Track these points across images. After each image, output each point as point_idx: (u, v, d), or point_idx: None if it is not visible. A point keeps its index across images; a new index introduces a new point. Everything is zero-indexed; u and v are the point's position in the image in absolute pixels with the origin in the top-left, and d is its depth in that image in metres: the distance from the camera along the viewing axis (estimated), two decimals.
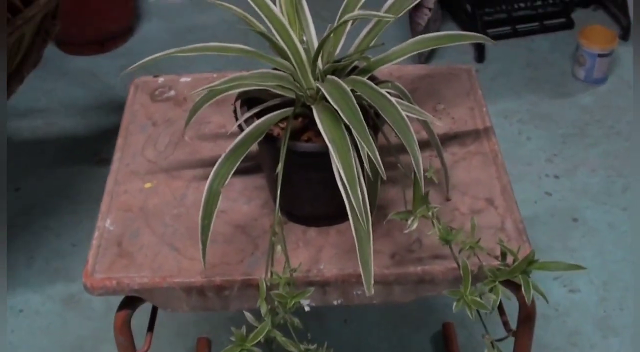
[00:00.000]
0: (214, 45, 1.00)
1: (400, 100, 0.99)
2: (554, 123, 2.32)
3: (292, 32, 1.01)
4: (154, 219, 1.11)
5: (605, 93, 2.43)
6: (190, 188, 1.14)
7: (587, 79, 2.46)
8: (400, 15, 1.04)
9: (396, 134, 0.88)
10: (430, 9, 2.42)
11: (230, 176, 0.94)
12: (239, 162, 0.95)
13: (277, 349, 0.90)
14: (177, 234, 1.08)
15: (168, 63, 1.36)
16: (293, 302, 0.89)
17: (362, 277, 0.90)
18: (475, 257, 0.96)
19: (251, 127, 0.97)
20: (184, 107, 1.29)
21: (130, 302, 1.06)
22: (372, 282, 0.90)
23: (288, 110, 0.99)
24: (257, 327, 0.88)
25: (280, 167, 0.94)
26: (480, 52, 2.56)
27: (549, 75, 2.51)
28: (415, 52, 1.03)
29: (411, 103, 1.01)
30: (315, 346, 0.91)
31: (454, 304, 0.91)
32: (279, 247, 0.93)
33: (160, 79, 1.35)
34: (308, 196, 1.06)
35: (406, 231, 0.94)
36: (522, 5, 2.70)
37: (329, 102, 0.91)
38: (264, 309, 0.88)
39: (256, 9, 1.02)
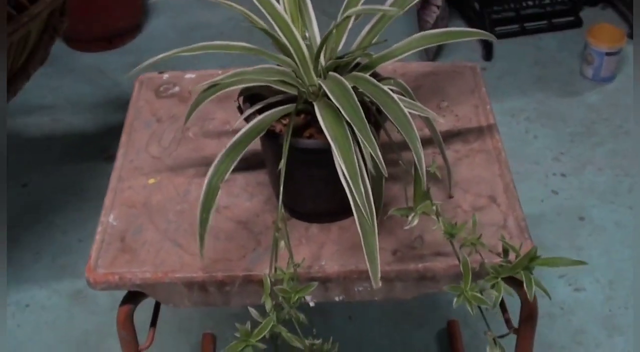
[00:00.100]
0: (218, 43, 1.01)
1: (402, 97, 0.99)
2: (562, 122, 2.31)
3: (294, 29, 1.01)
4: (157, 214, 1.11)
5: (613, 92, 2.42)
6: (193, 184, 1.15)
7: (595, 77, 2.45)
8: (404, 11, 1.04)
9: (398, 130, 0.88)
10: (438, 7, 2.41)
11: (229, 171, 0.94)
12: (238, 158, 0.95)
13: (282, 345, 0.90)
14: (180, 229, 1.09)
15: (174, 60, 1.37)
16: (297, 297, 0.89)
17: (369, 270, 0.90)
18: (477, 254, 0.96)
19: (252, 123, 0.97)
20: (188, 103, 1.29)
21: (133, 297, 1.07)
22: (379, 275, 0.90)
23: (290, 107, 1.00)
24: (261, 322, 0.88)
25: (282, 164, 0.94)
26: (488, 50, 2.56)
27: (557, 74, 2.51)
28: (417, 49, 1.03)
29: (413, 100, 1.01)
30: (320, 341, 0.91)
31: (454, 299, 0.91)
32: (282, 243, 0.93)
33: (165, 76, 1.35)
34: (310, 193, 1.06)
35: (406, 227, 0.94)
36: (530, 3, 2.70)
37: (331, 99, 0.92)
38: (268, 305, 0.88)
39: (259, 6, 1.02)
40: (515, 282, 0.97)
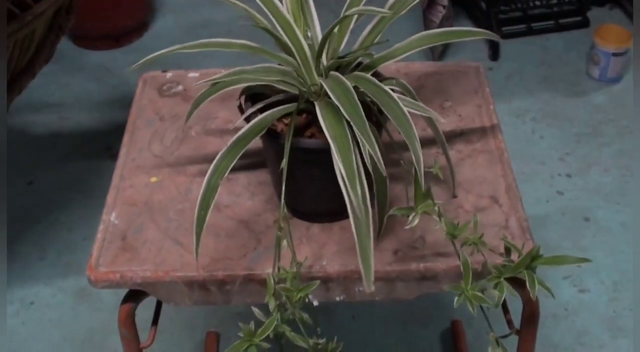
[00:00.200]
0: (219, 41, 1.01)
1: (404, 97, 0.99)
2: (568, 122, 2.31)
3: (296, 28, 1.01)
4: (159, 213, 1.11)
5: (619, 92, 2.42)
6: (195, 183, 1.15)
7: (602, 78, 2.44)
8: (404, 12, 1.04)
9: (398, 130, 0.88)
10: (444, 7, 2.41)
11: (229, 170, 0.94)
12: (238, 157, 0.95)
13: (286, 345, 0.90)
14: (181, 228, 1.09)
15: (180, 58, 1.37)
16: (299, 295, 0.89)
17: (362, 272, 0.90)
18: (479, 254, 0.95)
19: (253, 122, 0.97)
20: (191, 102, 1.28)
21: (134, 296, 1.07)
22: (372, 279, 0.90)
23: (291, 106, 1.00)
24: (265, 322, 0.88)
25: (284, 163, 0.94)
26: (494, 50, 2.56)
27: (564, 74, 2.50)
28: (418, 49, 1.03)
29: (415, 100, 1.01)
30: (324, 340, 0.91)
31: (455, 299, 0.91)
32: (284, 243, 0.93)
33: (169, 74, 1.35)
34: (311, 192, 1.06)
35: (407, 227, 0.94)
36: (537, 3, 2.69)
37: (332, 99, 0.91)
38: (272, 304, 0.88)
39: (261, 4, 1.02)
40: (517, 283, 0.96)
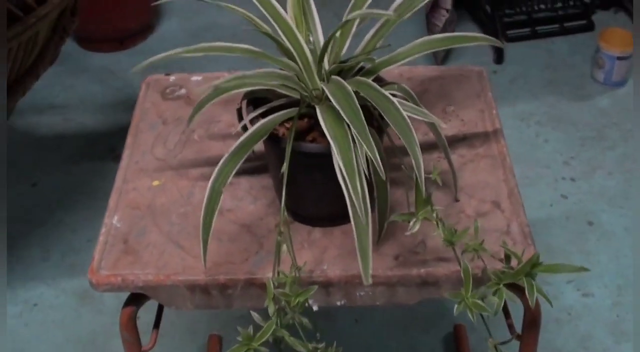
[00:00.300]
0: (220, 45, 1.01)
1: (405, 102, 0.99)
2: (572, 126, 2.30)
3: (297, 33, 1.02)
4: (161, 217, 1.11)
5: (624, 96, 2.41)
6: (197, 187, 1.15)
7: (606, 81, 2.44)
8: (407, 16, 1.04)
9: (398, 137, 0.88)
10: (447, 10, 2.41)
11: (232, 174, 0.95)
12: (241, 162, 0.95)
13: (285, 349, 0.90)
14: (184, 232, 1.09)
15: (184, 61, 1.37)
16: (297, 300, 0.89)
17: (360, 267, 0.90)
18: (480, 260, 0.95)
19: (255, 126, 0.97)
20: (194, 105, 1.29)
21: (136, 299, 1.07)
22: (371, 271, 0.90)
23: (293, 111, 1.00)
24: (263, 326, 0.88)
25: (285, 167, 0.94)
26: (499, 54, 2.55)
27: (568, 78, 2.50)
28: (421, 54, 1.03)
29: (417, 105, 1.01)
30: (323, 344, 0.91)
31: (455, 306, 0.91)
32: (284, 247, 0.93)
33: (172, 78, 1.35)
34: (313, 197, 1.06)
35: (407, 233, 0.94)
36: (542, 6, 2.69)
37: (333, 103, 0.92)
38: (271, 309, 0.88)
39: (262, 9, 1.03)
40: (518, 288, 0.96)
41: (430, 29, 2.49)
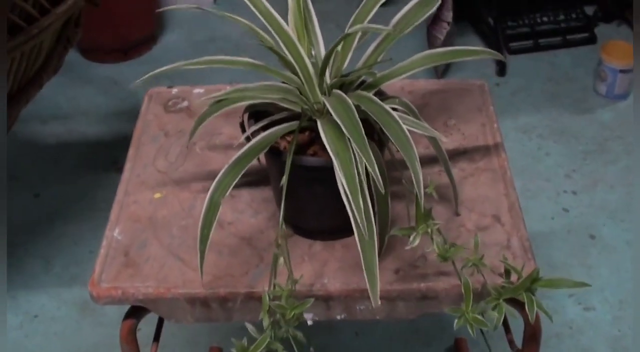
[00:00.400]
0: (222, 58, 1.01)
1: (406, 116, 0.99)
2: (574, 139, 2.30)
3: (299, 46, 1.02)
4: (162, 230, 1.12)
5: (626, 109, 2.41)
6: (199, 199, 1.15)
7: (609, 94, 2.44)
8: (409, 30, 1.05)
9: (397, 149, 0.89)
10: (449, 23, 2.41)
11: (232, 187, 0.95)
12: (241, 174, 0.95)
13: None
14: (184, 245, 1.09)
15: (187, 73, 1.37)
16: (293, 313, 0.89)
17: (368, 287, 0.90)
18: (480, 274, 0.95)
19: (256, 139, 0.98)
20: (196, 118, 1.29)
21: (136, 312, 1.07)
22: (379, 293, 0.90)
23: (294, 124, 1.00)
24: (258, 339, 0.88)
25: (284, 180, 0.94)
26: (501, 66, 2.56)
27: (570, 91, 2.50)
28: (422, 68, 1.03)
29: (418, 119, 1.01)
30: None
31: (455, 321, 0.91)
32: (281, 259, 0.93)
33: (174, 90, 1.36)
34: (314, 210, 1.06)
35: (407, 247, 0.94)
36: (545, 19, 2.69)
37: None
38: (266, 322, 0.88)
39: (265, 22, 1.03)
40: (518, 303, 0.96)
41: (431, 42, 2.49)
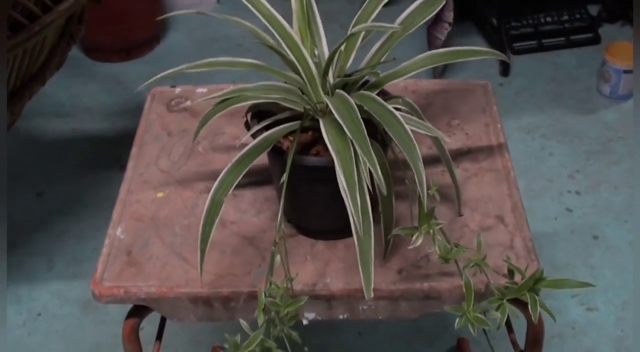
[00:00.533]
0: (225, 60, 1.01)
1: (409, 116, 0.99)
2: (578, 139, 2.30)
3: (302, 46, 1.02)
4: (164, 229, 1.12)
5: (630, 110, 2.41)
6: (201, 198, 1.15)
7: (612, 95, 2.44)
8: (414, 29, 1.04)
9: (400, 150, 0.88)
10: (450, 24, 2.41)
11: (233, 186, 0.95)
12: (243, 173, 0.95)
13: None
14: (186, 244, 1.09)
15: (192, 73, 1.37)
16: (286, 310, 0.89)
17: (362, 280, 0.90)
18: (483, 274, 0.95)
19: (258, 139, 0.98)
20: (199, 118, 1.29)
21: (139, 311, 1.07)
22: (372, 285, 0.90)
23: (297, 124, 1.00)
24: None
25: (284, 179, 0.94)
26: (505, 67, 2.55)
27: (574, 91, 2.49)
28: (425, 68, 1.03)
29: (422, 119, 1.01)
30: None
31: (457, 320, 0.91)
32: (278, 258, 0.93)
33: (177, 90, 1.36)
34: (316, 209, 1.06)
35: (410, 247, 0.94)
36: (548, 19, 2.69)
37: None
38: (261, 320, 0.88)
39: (266, 23, 1.03)
40: (521, 303, 0.96)
41: (432, 42, 2.49)
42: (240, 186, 0.96)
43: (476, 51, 1.06)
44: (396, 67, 1.04)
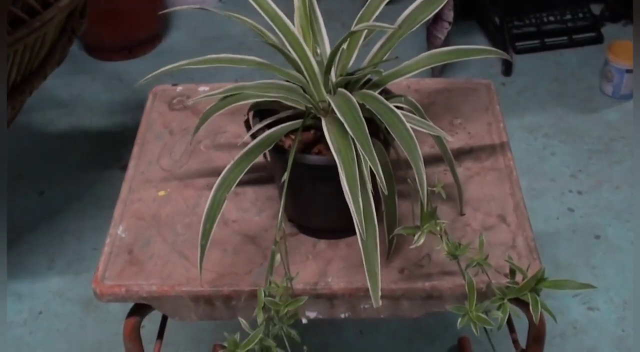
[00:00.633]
0: (227, 57, 1.01)
1: (411, 114, 0.99)
2: (580, 139, 2.30)
3: (304, 45, 1.02)
4: (166, 227, 1.11)
5: (632, 109, 2.40)
6: (203, 197, 1.15)
7: (615, 94, 2.43)
8: (415, 27, 1.04)
9: (402, 149, 0.88)
10: (450, 23, 2.40)
11: (236, 183, 0.95)
12: (245, 171, 0.95)
13: None
14: (188, 242, 1.09)
15: (194, 71, 1.37)
16: (286, 309, 0.88)
17: (369, 287, 0.90)
18: (484, 274, 0.95)
19: (260, 137, 0.97)
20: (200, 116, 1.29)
21: (140, 310, 1.07)
22: (380, 293, 0.90)
23: (298, 122, 1.00)
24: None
25: (285, 177, 0.94)
26: (507, 66, 2.55)
27: (576, 90, 2.49)
28: (427, 67, 1.03)
29: (424, 118, 1.01)
30: None
31: (459, 319, 0.90)
32: (278, 256, 0.93)
33: (179, 88, 1.36)
34: (318, 208, 1.06)
35: (412, 246, 0.93)
36: (551, 19, 2.69)
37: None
38: (260, 318, 0.88)
39: (269, 21, 1.03)
40: (522, 303, 0.96)
41: (431, 41, 2.48)
42: (242, 184, 0.96)
43: (479, 50, 1.06)
44: (398, 66, 1.04)
